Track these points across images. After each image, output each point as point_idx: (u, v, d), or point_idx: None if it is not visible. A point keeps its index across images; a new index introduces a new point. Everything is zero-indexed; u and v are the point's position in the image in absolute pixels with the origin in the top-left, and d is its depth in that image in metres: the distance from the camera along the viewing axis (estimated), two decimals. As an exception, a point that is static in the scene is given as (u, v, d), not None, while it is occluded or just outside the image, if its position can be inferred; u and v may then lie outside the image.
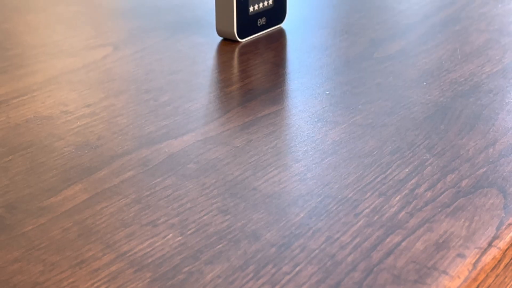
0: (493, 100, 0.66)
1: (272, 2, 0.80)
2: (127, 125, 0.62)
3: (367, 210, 0.49)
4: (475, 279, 0.44)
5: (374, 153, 0.57)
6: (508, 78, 0.70)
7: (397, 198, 0.51)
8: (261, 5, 0.79)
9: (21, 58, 0.76)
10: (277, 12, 0.81)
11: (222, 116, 0.64)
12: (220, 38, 0.79)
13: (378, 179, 0.53)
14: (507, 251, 0.47)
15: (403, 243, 0.46)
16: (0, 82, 0.70)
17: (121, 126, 0.62)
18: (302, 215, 0.49)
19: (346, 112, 0.64)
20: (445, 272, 0.43)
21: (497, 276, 0.46)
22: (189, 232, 0.47)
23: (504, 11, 0.86)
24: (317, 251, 0.45)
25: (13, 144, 0.59)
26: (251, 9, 0.78)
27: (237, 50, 0.77)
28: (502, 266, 0.46)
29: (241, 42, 0.78)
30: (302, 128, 0.61)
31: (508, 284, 0.48)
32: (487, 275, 0.45)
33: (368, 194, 0.51)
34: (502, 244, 0.46)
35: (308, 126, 0.61)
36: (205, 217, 0.49)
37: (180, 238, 0.47)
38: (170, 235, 0.47)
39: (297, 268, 0.44)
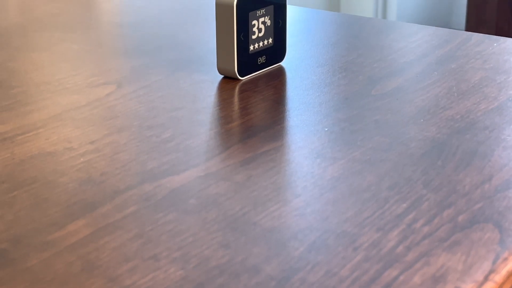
0: (489, 136, 0.67)
1: (272, 41, 0.82)
2: (130, 161, 0.63)
3: (365, 244, 0.50)
4: (471, 312, 0.45)
5: (372, 188, 0.58)
6: (503, 115, 0.71)
7: (395, 233, 0.52)
8: (261, 44, 0.81)
9: (25, 96, 0.77)
10: (277, 51, 0.83)
11: (223, 152, 0.65)
12: (221, 76, 0.80)
13: (376, 214, 0.54)
14: (503, 285, 0.48)
15: (401, 277, 0.47)
16: (5, 119, 0.71)
17: (123, 162, 0.63)
18: (301, 249, 0.50)
19: (344, 148, 0.65)
20: (441, 305, 0.44)
21: (493, 309, 0.47)
22: (190, 266, 0.48)
23: (499, 50, 0.88)
24: (316, 285, 0.46)
25: (18, 179, 0.60)
26: (251, 47, 0.80)
27: (237, 87, 0.78)
28: (498, 299, 0.47)
29: (241, 80, 0.79)
30: (302, 164, 0.63)
31: (504, 318, 0.49)
32: (483, 308, 0.46)
33: (367, 229, 0.52)
34: (498, 278, 0.47)
35: (308, 162, 0.63)
36: (206, 251, 0.50)
37: (181, 272, 0.48)
38: (172, 269, 0.48)
39: (297, 301, 0.45)
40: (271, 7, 0.80)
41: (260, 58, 0.81)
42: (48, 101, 0.76)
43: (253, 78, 0.80)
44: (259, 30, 0.80)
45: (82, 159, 0.63)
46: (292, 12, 0.96)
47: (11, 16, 1.06)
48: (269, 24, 0.81)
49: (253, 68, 0.80)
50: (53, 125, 0.70)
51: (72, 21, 1.02)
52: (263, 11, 0.80)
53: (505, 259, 0.49)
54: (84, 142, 0.66)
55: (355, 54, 0.87)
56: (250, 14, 0.78)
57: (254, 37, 0.79)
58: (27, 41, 0.94)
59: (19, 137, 0.68)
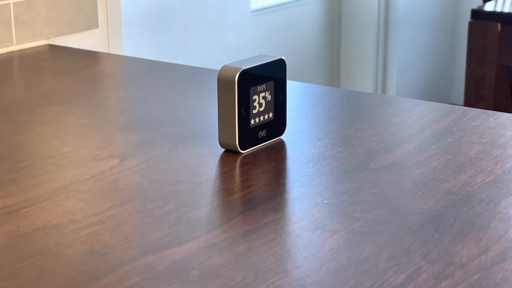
0: (486, 209, 0.68)
1: (273, 115, 0.84)
2: (133, 233, 0.64)
3: (364, 315, 0.51)
4: None
5: (371, 259, 0.59)
6: (499, 188, 0.72)
7: (393, 303, 0.53)
8: (262, 118, 0.82)
9: (31, 169, 0.79)
10: (277, 125, 0.85)
11: (224, 224, 0.66)
12: (223, 149, 0.82)
13: (375, 285, 0.55)
14: None
15: None
16: (11, 192, 0.73)
17: (127, 234, 0.64)
18: (301, 319, 0.51)
19: (344, 220, 0.66)
20: None
21: None
22: (192, 336, 0.49)
23: (495, 124, 0.90)
24: None
25: (23, 251, 0.61)
26: (252, 122, 0.81)
27: (238, 160, 0.80)
28: None
29: (242, 153, 0.81)
30: (302, 235, 0.64)
31: None
32: None
33: (365, 300, 0.53)
34: None
35: (307, 233, 0.64)
36: (207, 322, 0.51)
37: None
38: None
39: None
40: (271, 83, 0.83)
41: (261, 132, 0.83)
42: (53, 174, 0.77)
43: (254, 151, 0.82)
44: (260, 104, 0.82)
45: (86, 231, 0.65)
46: (292, 87, 0.98)
47: (17, 91, 1.09)
48: (269, 99, 0.83)
49: (254, 141, 0.82)
50: (58, 198, 0.71)
51: (77, 96, 1.04)
52: (263, 86, 0.82)
53: (502, 329, 0.50)
54: (88, 215, 0.68)
55: (354, 128, 0.89)
56: (251, 89, 0.81)
57: (255, 111, 0.81)
58: (32, 115, 0.96)
59: (24, 209, 0.69)
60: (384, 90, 3.52)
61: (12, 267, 0.59)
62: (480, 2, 2.95)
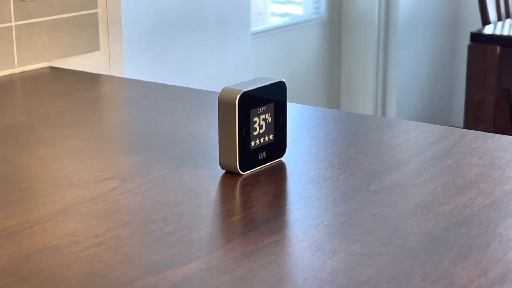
0: (485, 231, 0.68)
1: (273, 137, 0.84)
2: (133, 254, 0.64)
3: (364, 336, 0.51)
4: None
5: (371, 281, 0.59)
6: (499, 210, 0.73)
7: (393, 325, 0.53)
8: (262, 140, 0.83)
9: (32, 191, 0.79)
10: (278, 147, 0.85)
11: (224, 245, 0.67)
12: (223, 171, 0.82)
13: (375, 306, 0.55)
14: None
15: None
16: (12, 214, 0.73)
17: (127, 255, 0.64)
18: None
19: (343, 241, 0.66)
20: None
21: None
22: None
23: (494, 146, 0.90)
24: None
25: (24, 273, 0.61)
26: (252, 143, 0.82)
27: (239, 182, 0.80)
28: None
29: (243, 174, 0.81)
30: (302, 257, 0.64)
31: None
32: None
33: (365, 321, 0.53)
34: None
35: (308, 255, 0.64)
36: None
37: None
38: None
39: None
40: (271, 105, 0.83)
41: (261, 153, 0.83)
42: (54, 196, 0.77)
43: (255, 173, 0.82)
44: (260, 126, 0.82)
45: (86, 252, 0.65)
46: (292, 109, 0.98)
47: (19, 113, 1.09)
48: (270, 121, 0.83)
49: (254, 163, 0.83)
50: (59, 219, 0.72)
51: (78, 117, 1.05)
52: (264, 108, 0.82)
53: None
54: (88, 236, 0.68)
55: (354, 150, 0.89)
56: (252, 111, 0.81)
57: (255, 133, 0.82)
58: (34, 137, 0.96)
59: (26, 231, 0.69)
60: (383, 112, 3.53)
61: (13, 288, 0.59)
62: (479, 25, 2.96)
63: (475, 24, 3.43)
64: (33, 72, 1.27)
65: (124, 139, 0.98)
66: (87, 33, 1.33)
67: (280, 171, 0.83)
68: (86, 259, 0.64)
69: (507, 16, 2.81)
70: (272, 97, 0.83)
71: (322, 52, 3.43)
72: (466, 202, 0.74)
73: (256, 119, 0.82)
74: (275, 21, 3.29)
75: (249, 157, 0.82)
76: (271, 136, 0.84)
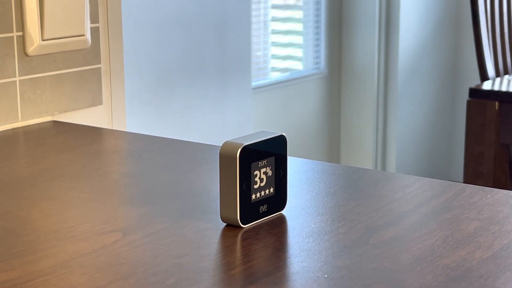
0: (484, 285, 0.69)
1: (273, 190, 0.85)
2: (135, 307, 0.65)
3: None
4: None
5: (371, 334, 0.60)
6: (497, 264, 0.73)
7: None
8: (263, 193, 0.84)
9: (34, 243, 0.80)
10: (278, 200, 0.86)
11: (225, 298, 0.67)
12: (224, 224, 0.83)
13: None
14: None
15: None
16: (15, 266, 0.74)
17: (129, 307, 0.65)
18: None
19: (343, 295, 0.67)
20: None
21: None
22: None
23: (493, 201, 0.91)
24: None
25: (26, 324, 0.62)
26: (253, 197, 0.83)
27: (240, 235, 0.81)
28: None
29: (244, 227, 0.82)
30: (302, 310, 0.64)
31: None
32: None
33: None
34: None
35: (308, 308, 0.64)
36: None
37: None
38: None
39: None
40: (272, 158, 0.84)
41: (262, 206, 0.84)
42: (56, 249, 0.78)
43: (255, 226, 0.83)
44: (261, 180, 0.83)
45: (88, 304, 0.65)
46: (292, 163, 0.99)
47: (22, 167, 1.10)
48: (270, 174, 0.84)
49: (255, 216, 0.83)
50: (61, 271, 0.72)
51: (81, 171, 1.06)
52: (264, 162, 0.83)
53: None
54: (90, 288, 0.68)
55: (354, 203, 0.90)
56: (252, 164, 0.82)
57: (256, 186, 0.83)
58: (37, 190, 0.97)
59: (28, 283, 0.70)
60: (383, 166, 3.54)
61: None
62: (478, 81, 2.99)
63: (474, 79, 3.46)
64: (36, 126, 1.28)
65: (126, 192, 0.99)
66: (90, 87, 1.35)
67: (280, 224, 0.84)
68: (87, 311, 0.64)
69: (506, 72, 2.84)
70: (272, 151, 0.84)
71: (322, 106, 3.45)
72: (465, 256, 0.75)
73: (257, 172, 0.83)
74: (276, 75, 3.32)
75: (250, 210, 0.83)
76: (271, 190, 0.85)
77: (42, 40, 1.26)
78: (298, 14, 3.43)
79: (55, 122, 1.31)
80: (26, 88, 1.27)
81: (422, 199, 0.92)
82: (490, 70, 2.76)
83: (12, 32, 1.24)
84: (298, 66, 3.42)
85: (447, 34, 3.72)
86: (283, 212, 0.87)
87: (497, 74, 2.80)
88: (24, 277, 0.71)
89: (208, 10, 2.54)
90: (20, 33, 1.25)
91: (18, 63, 1.25)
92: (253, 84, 2.97)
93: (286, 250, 0.79)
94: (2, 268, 0.73)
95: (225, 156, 0.81)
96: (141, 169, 1.07)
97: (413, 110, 3.56)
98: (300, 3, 3.41)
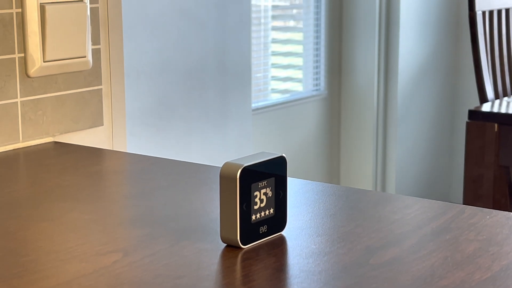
0: (483, 305, 0.69)
1: (273, 211, 0.85)
2: (135, 327, 0.65)
3: None
4: None
5: None
6: (497, 285, 0.74)
7: None
8: (263, 214, 0.84)
9: (35, 264, 0.80)
10: (278, 221, 0.86)
11: (225, 319, 0.67)
12: (224, 245, 0.83)
13: None
14: None
15: None
16: (15, 286, 0.74)
17: (129, 328, 0.65)
18: None
19: (343, 315, 0.67)
20: None
21: None
22: None
23: (492, 222, 0.91)
24: None
25: None
26: (253, 217, 0.83)
27: (240, 256, 0.81)
28: None
29: (244, 248, 0.82)
30: (302, 330, 0.64)
31: None
32: None
33: None
34: None
35: (308, 328, 0.64)
36: None
37: None
38: None
39: None
40: (272, 179, 0.85)
41: (262, 227, 0.84)
42: (57, 269, 0.78)
43: (255, 246, 0.83)
44: (261, 200, 0.84)
45: (89, 324, 0.65)
46: (292, 184, 1.00)
47: (23, 188, 1.11)
48: (270, 195, 0.85)
49: (255, 237, 0.84)
50: (61, 291, 0.72)
51: (81, 192, 1.06)
52: (264, 182, 0.84)
53: None
54: (91, 308, 0.69)
55: (354, 224, 0.90)
56: (253, 185, 0.82)
57: (256, 207, 0.83)
58: (38, 211, 0.98)
59: (28, 303, 0.70)
60: (383, 187, 3.54)
61: None
62: (477, 103, 3.00)
63: (473, 101, 3.47)
64: (37, 147, 1.29)
65: (127, 212, 0.99)
66: (91, 108, 1.36)
67: (280, 245, 0.84)
68: (88, 332, 0.64)
69: (505, 95, 2.85)
70: (272, 172, 0.85)
71: (322, 127, 3.46)
72: (464, 277, 0.75)
73: (257, 193, 0.83)
74: (276, 97, 3.33)
75: (250, 231, 0.83)
76: (271, 210, 0.85)
77: (44, 61, 1.27)
78: (298, 36, 3.44)
79: (56, 143, 1.32)
80: (27, 109, 1.27)
81: (421, 220, 0.93)
82: (489, 92, 2.77)
83: (14, 53, 1.25)
84: (298, 87, 3.43)
85: (447, 56, 3.74)
86: (283, 232, 0.87)
87: (496, 96, 2.81)
88: (25, 298, 0.71)
89: (209, 32, 2.55)
90: (22, 55, 1.26)
91: (19, 84, 1.26)
92: (253, 105, 2.98)
93: (286, 271, 0.79)
94: (2, 288, 0.73)
95: (225, 177, 0.81)
96: (142, 190, 1.07)
97: (412, 131, 3.57)
98: (300, 25, 3.43)
